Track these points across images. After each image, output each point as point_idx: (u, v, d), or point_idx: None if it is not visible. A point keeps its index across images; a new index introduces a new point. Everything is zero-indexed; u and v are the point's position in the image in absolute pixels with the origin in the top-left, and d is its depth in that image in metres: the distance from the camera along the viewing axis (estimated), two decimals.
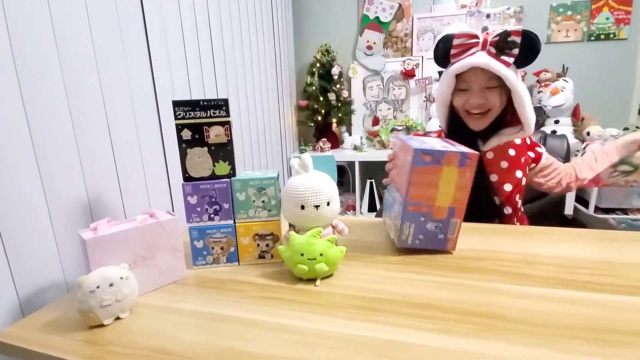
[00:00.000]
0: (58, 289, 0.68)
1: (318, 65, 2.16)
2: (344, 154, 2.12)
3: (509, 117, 0.87)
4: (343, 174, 2.38)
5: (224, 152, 0.67)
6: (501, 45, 0.78)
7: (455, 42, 0.82)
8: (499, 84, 0.82)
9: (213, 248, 0.68)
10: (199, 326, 0.51)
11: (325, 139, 2.15)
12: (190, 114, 0.65)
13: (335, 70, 2.14)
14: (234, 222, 0.68)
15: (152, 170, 0.94)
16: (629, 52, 1.99)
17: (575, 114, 1.93)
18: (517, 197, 0.91)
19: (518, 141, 0.93)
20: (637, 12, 1.95)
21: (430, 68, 2.16)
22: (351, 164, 2.09)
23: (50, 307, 0.59)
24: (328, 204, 0.64)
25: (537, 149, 0.95)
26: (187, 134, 0.65)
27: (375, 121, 2.29)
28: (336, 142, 2.27)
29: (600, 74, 2.02)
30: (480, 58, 0.80)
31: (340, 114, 2.19)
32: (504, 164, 0.90)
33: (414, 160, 0.61)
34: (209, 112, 0.65)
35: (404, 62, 2.18)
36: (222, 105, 0.65)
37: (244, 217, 0.68)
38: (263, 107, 1.78)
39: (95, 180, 0.76)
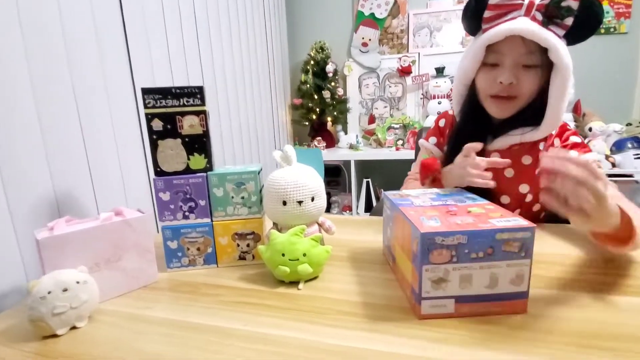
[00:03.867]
0: (19, 295, 0.62)
1: (312, 62, 2.11)
2: (339, 153, 2.06)
3: (530, 112, 0.71)
4: (339, 173, 2.32)
5: (199, 144, 0.61)
6: (551, 12, 0.63)
7: (492, 0, 0.67)
8: (539, 63, 0.67)
9: (188, 249, 0.62)
10: (165, 336, 0.45)
11: (320, 138, 2.10)
12: (161, 102, 0.59)
13: (329, 68, 2.09)
14: (211, 221, 0.62)
15: (130, 165, 0.88)
16: (630, 46, 1.94)
17: (577, 110, 1.88)
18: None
19: (541, 146, 0.75)
20: (637, 6, 1.91)
21: (427, 64, 2.11)
22: (347, 163, 2.04)
23: (6, 314, 0.53)
24: (313, 199, 0.59)
25: (571, 152, 0.69)
26: (157, 125, 0.60)
27: (372, 119, 2.23)
28: (332, 141, 2.21)
29: (601, 69, 1.98)
30: (522, 24, 0.64)
31: (335, 113, 2.14)
32: (509, 173, 0.76)
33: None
34: (182, 100, 0.59)
35: (400, 59, 2.13)
36: (196, 93, 0.60)
37: (222, 215, 0.62)
38: (255, 105, 1.72)
39: (63, 175, 0.70)
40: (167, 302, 0.54)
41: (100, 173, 0.79)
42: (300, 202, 0.58)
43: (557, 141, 0.77)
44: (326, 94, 2.06)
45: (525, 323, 0.44)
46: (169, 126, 0.60)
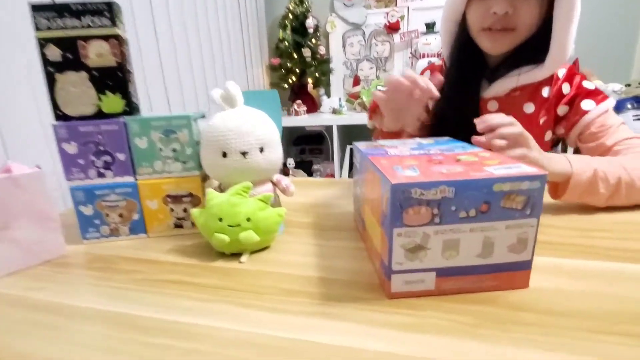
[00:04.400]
0: None
1: (291, 17, 1.91)
2: (322, 118, 1.92)
3: (531, 47, 0.61)
4: (322, 141, 2.19)
5: (113, 80, 0.47)
6: None
7: None
8: None
9: (108, 215, 0.50)
10: (46, 327, 0.33)
11: (300, 102, 1.94)
12: (57, 23, 0.44)
13: (310, 23, 1.90)
14: (135, 180, 0.49)
15: (25, 109, 0.72)
16: (630, 2, 1.80)
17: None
18: None
19: (546, 92, 0.64)
20: None
21: (417, 20, 1.93)
22: (329, 128, 1.90)
23: None
24: (262, 150, 0.46)
25: (585, 102, 0.62)
26: (54, 53, 0.45)
27: (356, 81, 2.08)
28: (313, 106, 2.06)
29: (600, 26, 1.84)
30: None
31: (317, 74, 1.97)
32: None
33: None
34: (84, 19, 0.45)
35: (387, 13, 1.95)
36: (103, 10, 0.45)
37: (149, 173, 0.49)
38: (225, 66, 1.55)
39: None
40: (66, 282, 0.41)
41: None
42: (244, 154, 0.45)
43: (565, 87, 0.65)
44: (306, 53, 1.89)
45: (527, 301, 0.33)
46: (69, 55, 0.45)
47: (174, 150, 0.49)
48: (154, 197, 0.50)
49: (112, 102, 0.47)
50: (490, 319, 0.31)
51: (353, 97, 2.06)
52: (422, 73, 0.81)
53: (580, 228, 0.47)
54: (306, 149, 2.22)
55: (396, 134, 0.69)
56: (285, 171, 2.05)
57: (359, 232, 0.50)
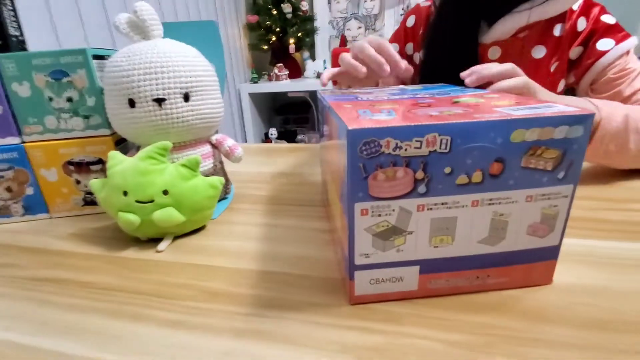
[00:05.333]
0: None
1: None
2: (305, 83, 1.76)
3: None
4: (307, 109, 2.04)
5: None
6: None
7: None
8: None
9: None
10: None
11: (281, 65, 1.77)
12: None
13: None
14: (21, 141, 0.37)
15: None
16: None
17: None
18: None
19: (558, 31, 0.52)
20: None
21: None
22: (313, 94, 1.75)
23: None
24: (186, 97, 0.34)
25: (602, 41, 0.50)
26: None
27: (343, 42, 1.90)
28: (297, 70, 1.89)
29: None
30: None
31: (299, 34, 1.79)
32: None
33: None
34: None
35: None
36: None
37: (39, 132, 0.37)
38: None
39: None
40: None
41: None
42: (159, 101, 0.32)
43: (581, 22, 0.52)
44: (287, 8, 1.70)
45: (552, 306, 0.22)
46: None
47: (70, 99, 0.36)
48: (51, 164, 0.37)
49: None
50: (499, 337, 0.20)
51: None
52: (406, 18, 0.68)
53: (614, 198, 0.37)
54: (290, 119, 2.08)
55: None
56: (267, 142, 1.91)
57: (325, 209, 0.39)
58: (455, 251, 0.22)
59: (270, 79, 1.79)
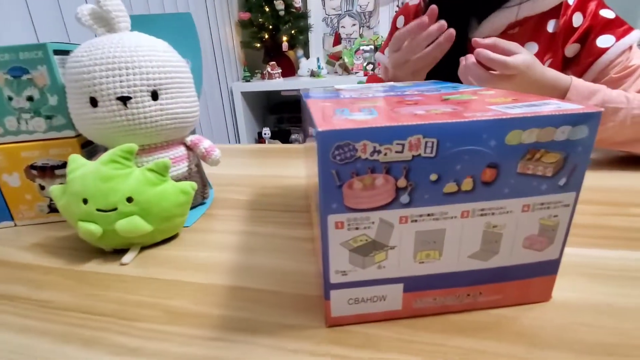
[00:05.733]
0: None
1: None
2: (299, 82, 1.73)
3: None
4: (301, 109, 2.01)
5: None
6: None
7: None
8: None
9: None
10: None
11: (274, 63, 1.74)
12: None
13: None
14: None
15: None
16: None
17: None
18: None
19: (552, 27, 0.50)
20: None
21: None
22: None
23: None
24: (154, 95, 0.31)
25: (602, 38, 0.48)
26: None
27: (337, 40, 1.88)
28: (290, 69, 1.86)
29: None
30: None
31: (292, 31, 1.76)
32: None
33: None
34: None
35: None
36: None
37: None
38: None
39: None
40: None
41: None
42: (124, 100, 0.30)
43: (577, 17, 0.50)
44: (279, 5, 1.67)
45: (551, 328, 0.20)
46: None
47: (30, 99, 0.33)
48: (12, 168, 0.34)
49: None
50: None
51: (334, 58, 1.86)
52: (395, 19, 0.65)
53: (618, 202, 0.34)
54: (284, 118, 2.05)
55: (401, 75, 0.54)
56: (261, 142, 1.88)
57: (309, 215, 0.36)
58: (444, 267, 0.20)
59: (263, 78, 1.76)
